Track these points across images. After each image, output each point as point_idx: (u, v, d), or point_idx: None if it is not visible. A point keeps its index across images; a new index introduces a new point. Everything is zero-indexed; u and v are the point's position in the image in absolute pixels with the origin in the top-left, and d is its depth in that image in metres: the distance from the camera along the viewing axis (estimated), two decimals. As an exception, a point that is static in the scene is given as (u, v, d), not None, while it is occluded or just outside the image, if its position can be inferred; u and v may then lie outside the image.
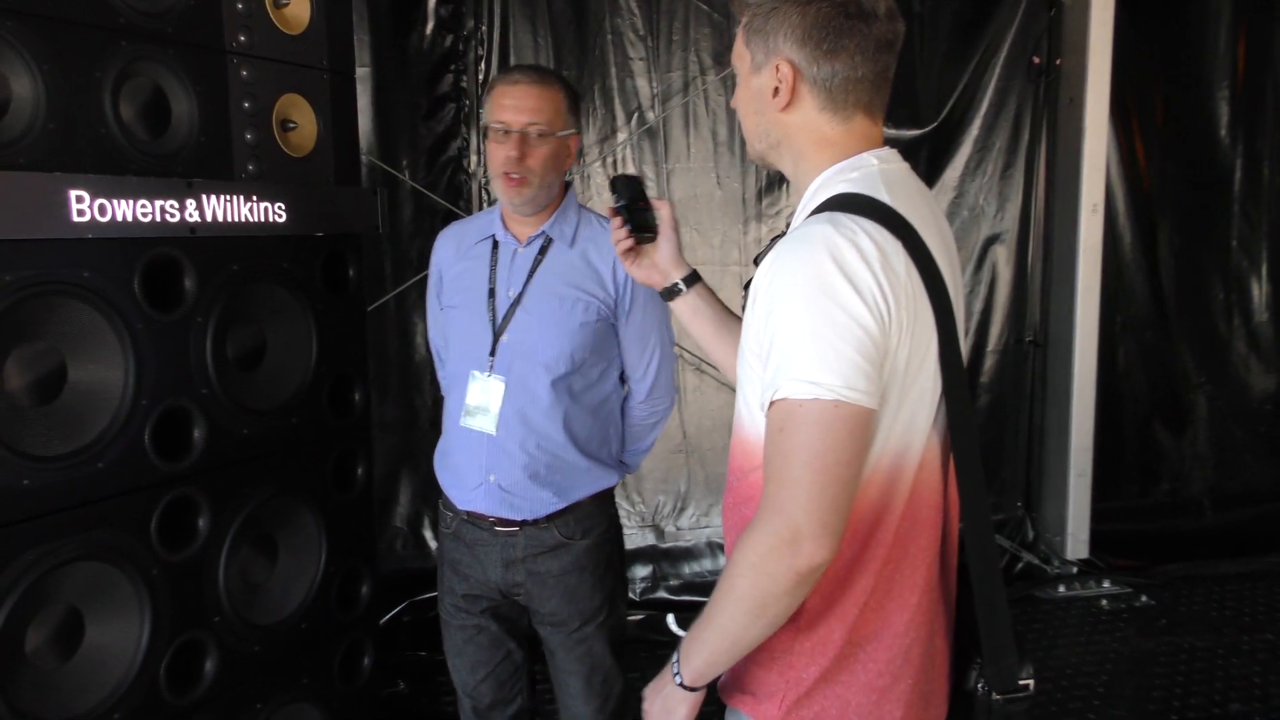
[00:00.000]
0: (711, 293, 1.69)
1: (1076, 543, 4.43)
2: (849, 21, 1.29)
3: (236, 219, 2.07)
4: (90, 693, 1.89)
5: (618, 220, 1.64)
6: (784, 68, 1.32)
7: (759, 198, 3.90)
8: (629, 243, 1.65)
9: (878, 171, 1.31)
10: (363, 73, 3.45)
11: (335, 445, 2.41)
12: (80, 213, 1.77)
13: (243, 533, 2.17)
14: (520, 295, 2.06)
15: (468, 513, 2.14)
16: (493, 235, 2.12)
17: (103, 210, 1.81)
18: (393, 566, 3.65)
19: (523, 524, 2.09)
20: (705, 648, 1.27)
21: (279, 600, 2.29)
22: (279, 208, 2.17)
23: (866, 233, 1.20)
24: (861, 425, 1.16)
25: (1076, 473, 4.42)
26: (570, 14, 3.66)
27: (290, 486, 2.28)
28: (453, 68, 3.64)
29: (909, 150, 3.34)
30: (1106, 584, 4.32)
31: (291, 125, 2.27)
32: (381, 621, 3.51)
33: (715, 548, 4.04)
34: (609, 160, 3.75)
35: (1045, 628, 3.97)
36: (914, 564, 1.31)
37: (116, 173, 1.86)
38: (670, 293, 1.67)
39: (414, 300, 3.65)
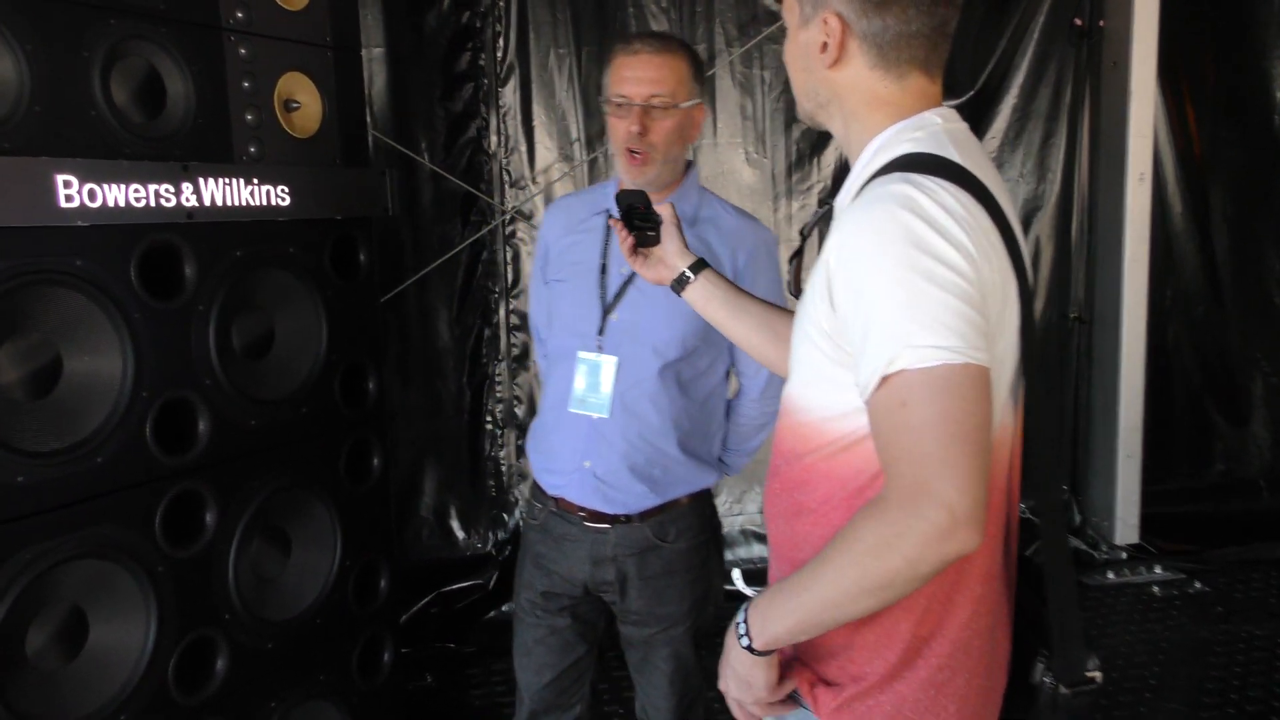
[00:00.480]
0: (720, 276, 1.67)
1: (1126, 527, 4.27)
2: None
3: (236, 203, 2.00)
4: (95, 694, 1.83)
5: (619, 225, 1.68)
6: (832, 21, 1.23)
7: (789, 173, 3.77)
8: (630, 241, 1.67)
9: (943, 130, 1.22)
10: (378, 53, 3.38)
11: (348, 435, 2.34)
12: (69, 198, 1.70)
13: (252, 527, 2.10)
14: (634, 273, 1.98)
15: (557, 501, 2.07)
16: (607, 209, 2.04)
17: (93, 195, 1.73)
18: (419, 557, 3.59)
19: (614, 520, 2.01)
20: (793, 617, 1.16)
21: (293, 595, 2.23)
22: (281, 191, 2.09)
23: (947, 191, 1.11)
24: (989, 387, 1.07)
25: (1125, 454, 4.25)
26: (592, -12, 3.55)
27: (301, 479, 2.21)
28: (470, 45, 3.54)
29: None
30: (1158, 570, 4.16)
31: (295, 105, 2.19)
32: (408, 614, 3.46)
33: (749, 535, 3.94)
34: (633, 138, 3.64)
35: (1094, 616, 3.82)
36: (982, 551, 1.21)
37: (108, 157, 1.79)
38: (680, 283, 1.66)
39: (436, 285, 3.58)
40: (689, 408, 2.00)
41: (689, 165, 2.07)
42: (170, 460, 1.92)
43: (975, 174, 1.16)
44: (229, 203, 1.98)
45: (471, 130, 3.59)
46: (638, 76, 1.91)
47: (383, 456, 2.45)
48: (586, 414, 1.98)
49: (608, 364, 1.97)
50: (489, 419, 3.70)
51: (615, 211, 2.01)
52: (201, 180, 1.92)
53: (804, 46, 1.28)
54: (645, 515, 2.01)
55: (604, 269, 2.03)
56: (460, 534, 3.68)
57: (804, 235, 1.50)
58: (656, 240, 1.68)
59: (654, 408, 1.97)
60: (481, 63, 3.56)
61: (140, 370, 1.85)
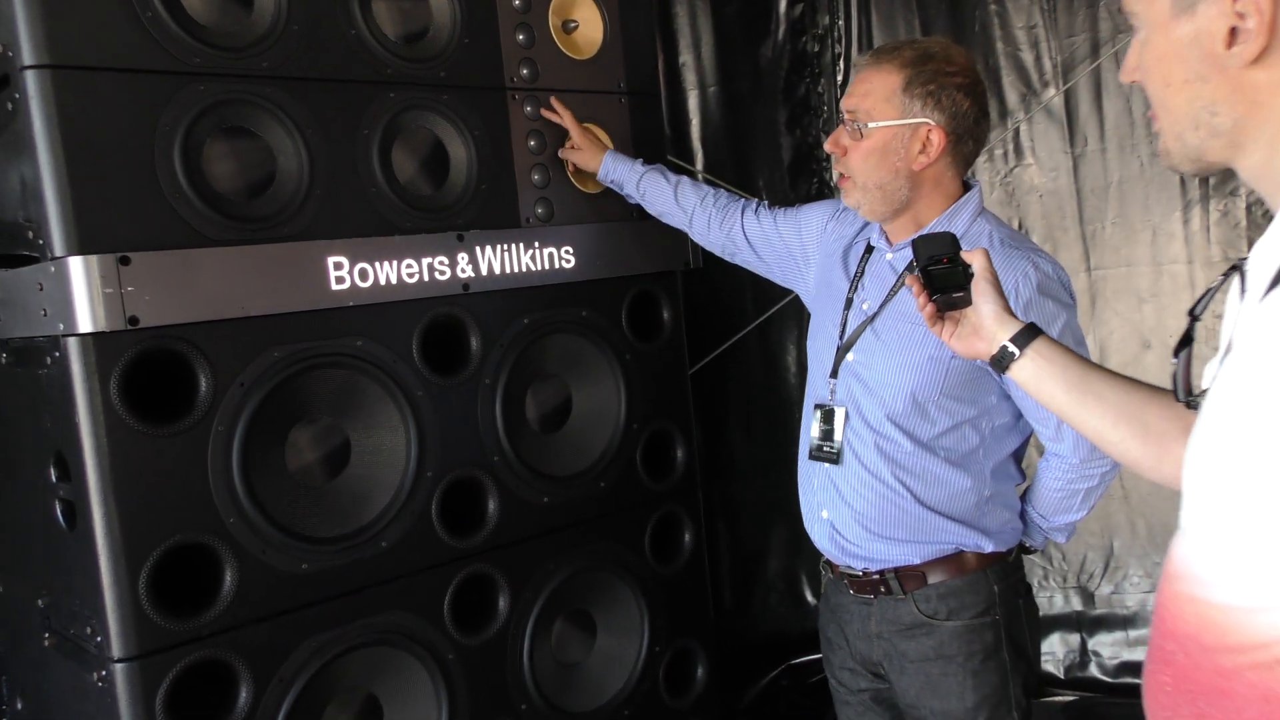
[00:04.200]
0: (1058, 346, 1.24)
1: None
2: None
3: (516, 269, 1.89)
4: (387, 784, 1.78)
5: (916, 286, 1.33)
6: None
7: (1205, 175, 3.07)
8: (930, 308, 1.31)
9: None
10: (712, 92, 3.21)
11: (654, 510, 2.15)
12: (339, 280, 1.67)
13: (548, 611, 1.98)
14: (876, 312, 1.69)
15: (825, 562, 1.83)
16: (868, 240, 1.77)
17: (364, 275, 1.70)
18: (769, 626, 3.33)
19: (876, 591, 1.71)
20: None
21: (596, 684, 2.08)
22: (566, 253, 1.96)
23: None
24: None
25: None
26: (941, -13, 3.13)
27: (602, 559, 2.06)
28: (808, 72, 3.27)
29: None
30: None
31: (586, 159, 2.06)
32: (756, 689, 3.21)
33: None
34: (999, 153, 3.16)
35: None
36: None
37: (387, 233, 1.75)
38: (1001, 360, 1.25)
39: (781, 328, 3.34)
40: (930, 466, 1.64)
41: (967, 187, 1.68)
42: (458, 543, 1.84)
43: None
44: (509, 269, 1.88)
45: (813, 164, 3.32)
46: (849, 90, 1.64)
47: (695, 531, 2.23)
48: (825, 464, 1.72)
49: (839, 410, 1.70)
50: (840, 476, 3.37)
51: (874, 239, 1.73)
52: (478, 249, 1.84)
53: (1186, 46, 0.86)
54: (905, 582, 1.68)
55: (849, 303, 1.72)
56: (811, 600, 3.37)
57: (1195, 315, 1.03)
58: (967, 300, 1.29)
59: (886, 462, 1.65)
60: (821, 90, 3.28)
61: (424, 450, 1.79)
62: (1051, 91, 3.14)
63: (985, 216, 1.67)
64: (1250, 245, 0.98)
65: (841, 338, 1.71)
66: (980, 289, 1.29)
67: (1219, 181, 3.09)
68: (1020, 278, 1.55)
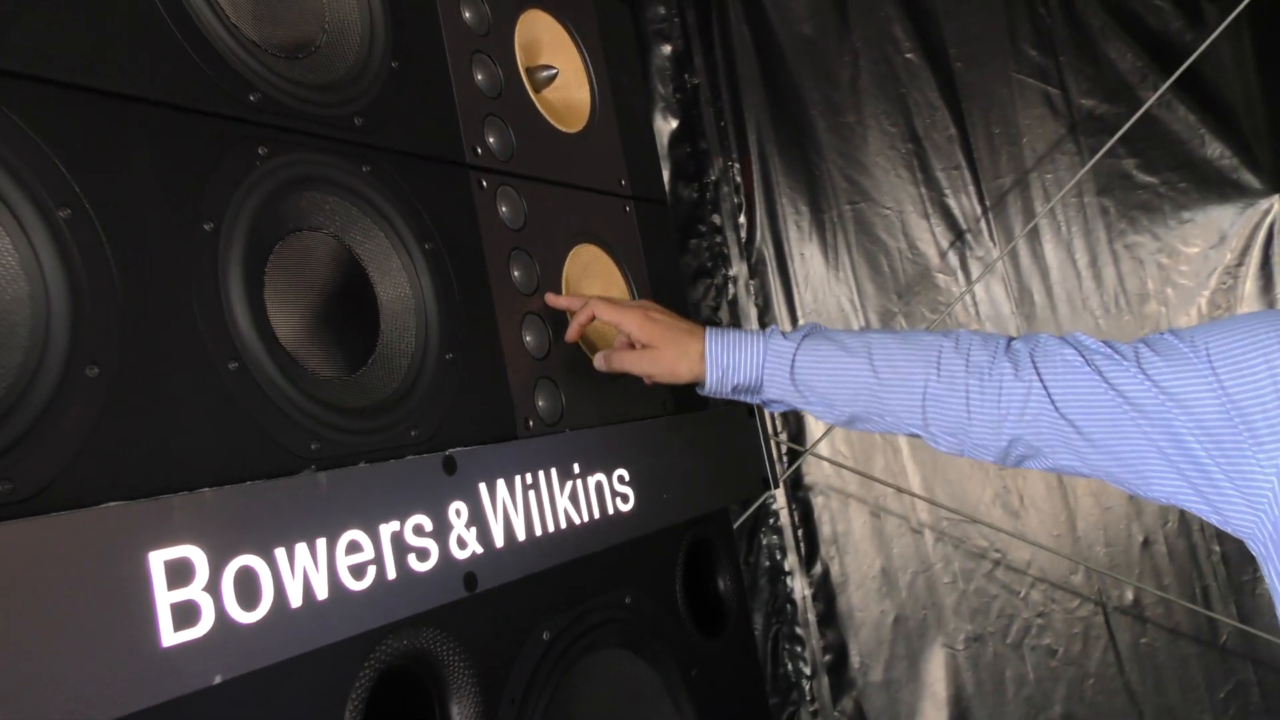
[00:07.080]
0: None
1: None
2: None
3: (548, 528, 0.87)
4: None
5: None
6: None
7: (1212, 309, 2.61)
8: None
9: None
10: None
11: None
12: (184, 614, 0.58)
13: None
14: None
15: None
16: None
17: (248, 591, 0.62)
18: None
19: None
20: None
21: None
22: (619, 481, 0.97)
23: None
24: None
25: None
26: (851, 125, 2.55)
27: None
28: (704, 229, 2.53)
29: None
30: None
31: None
32: None
33: None
34: (947, 316, 2.54)
35: None
36: None
37: (273, 474, 0.69)
38: None
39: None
40: None
41: None
42: None
43: None
44: (536, 529, 0.86)
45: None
46: None
47: None
48: None
49: None
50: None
51: None
52: (484, 489, 0.81)
53: None
54: None
55: None
56: None
57: None
58: None
59: None
60: (721, 246, 2.54)
61: None
62: (985, 236, 2.60)
63: None
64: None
65: None
66: None
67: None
68: None
